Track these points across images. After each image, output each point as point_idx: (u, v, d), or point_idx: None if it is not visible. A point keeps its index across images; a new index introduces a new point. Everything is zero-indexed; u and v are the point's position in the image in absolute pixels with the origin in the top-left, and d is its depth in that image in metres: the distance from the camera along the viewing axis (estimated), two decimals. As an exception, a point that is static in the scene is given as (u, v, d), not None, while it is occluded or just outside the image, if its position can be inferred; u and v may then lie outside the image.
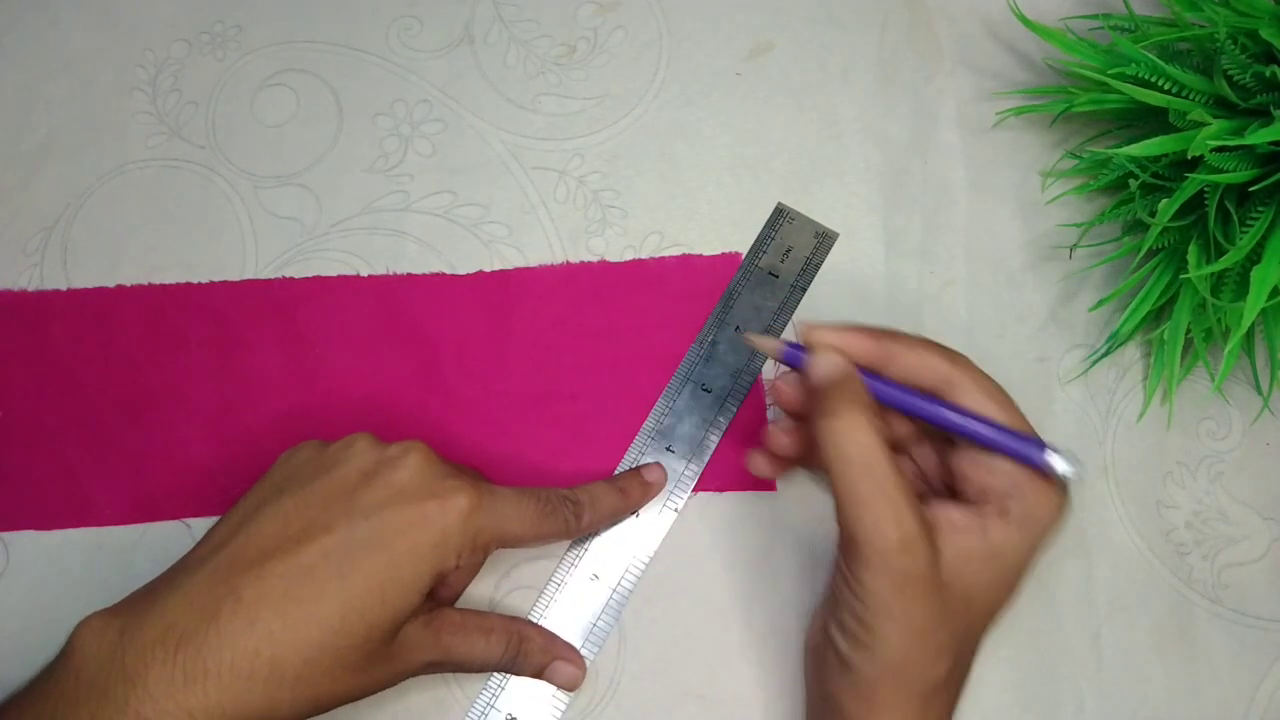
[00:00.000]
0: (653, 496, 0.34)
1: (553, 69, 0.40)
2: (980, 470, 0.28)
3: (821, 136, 0.39)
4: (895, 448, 0.31)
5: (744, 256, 0.37)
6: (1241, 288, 0.33)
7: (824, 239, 0.37)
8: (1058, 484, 0.27)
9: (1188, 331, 0.35)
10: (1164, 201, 0.33)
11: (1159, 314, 0.36)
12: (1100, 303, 0.37)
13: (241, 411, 0.36)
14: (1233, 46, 0.32)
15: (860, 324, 0.30)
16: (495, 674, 0.33)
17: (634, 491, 0.34)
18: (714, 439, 0.35)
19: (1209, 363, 0.36)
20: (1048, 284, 0.38)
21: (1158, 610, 0.35)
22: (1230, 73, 0.33)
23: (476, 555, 0.29)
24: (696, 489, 0.35)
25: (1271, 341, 0.34)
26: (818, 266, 0.37)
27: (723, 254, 0.38)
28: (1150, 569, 0.35)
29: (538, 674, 0.33)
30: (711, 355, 0.36)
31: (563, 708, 0.33)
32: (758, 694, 0.33)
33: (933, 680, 0.27)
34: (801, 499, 0.35)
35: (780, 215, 0.38)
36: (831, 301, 0.37)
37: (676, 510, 0.35)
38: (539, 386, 0.36)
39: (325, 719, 0.30)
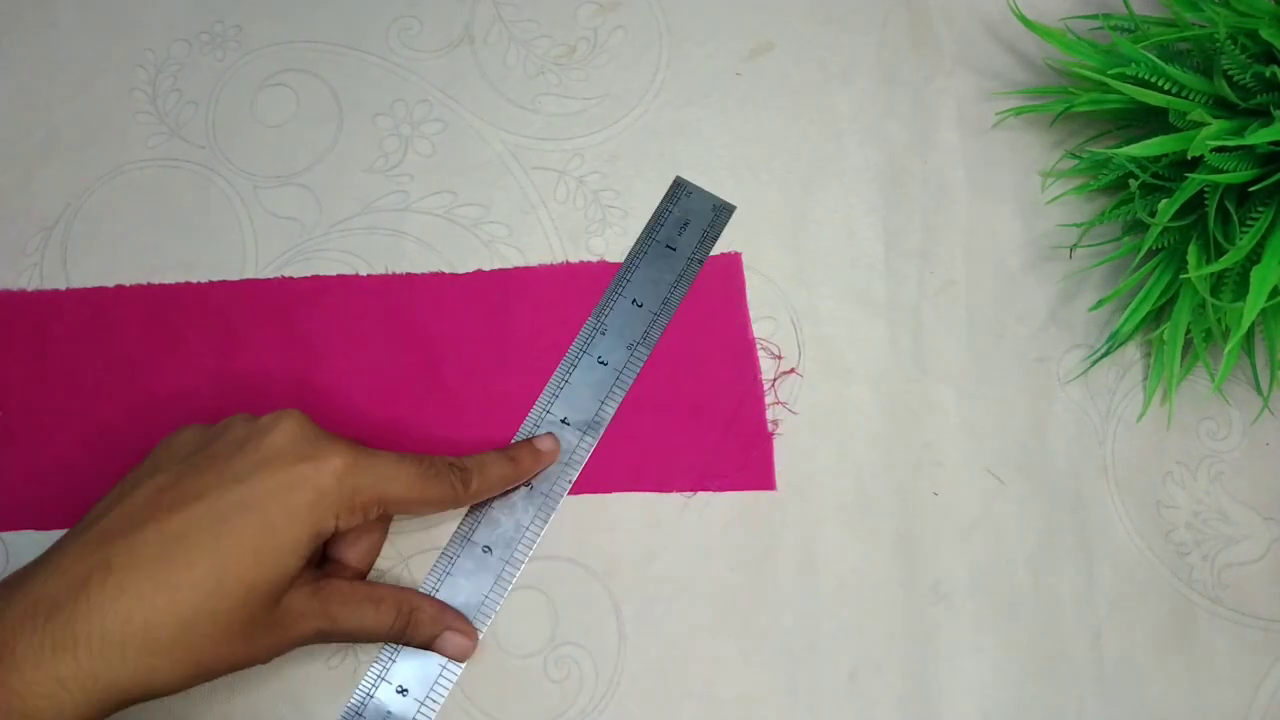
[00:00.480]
0: (545, 466, 0.35)
1: (553, 69, 0.40)
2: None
3: (821, 136, 0.39)
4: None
5: (642, 229, 0.37)
6: (1241, 288, 0.33)
7: (721, 211, 0.37)
8: None
9: (1188, 332, 0.35)
10: (1164, 202, 0.33)
11: (1159, 314, 0.36)
12: (1100, 303, 0.37)
13: (241, 411, 0.35)
14: (1233, 46, 0.32)
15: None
16: (386, 646, 0.33)
17: (525, 460, 0.34)
18: (609, 411, 0.35)
19: (1209, 363, 0.36)
20: (1048, 284, 0.38)
21: (1158, 610, 0.35)
22: (1230, 73, 0.33)
23: (356, 516, 0.29)
24: (698, 489, 0.35)
25: (1271, 342, 0.34)
26: (714, 238, 0.37)
27: (723, 254, 0.38)
28: (1150, 569, 0.35)
29: (428, 644, 0.33)
30: (607, 328, 0.36)
31: (454, 679, 0.33)
32: (758, 694, 0.34)
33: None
34: (801, 499, 0.35)
35: (678, 189, 0.38)
36: (831, 303, 0.38)
37: (570, 482, 0.35)
38: (539, 387, 0.36)
39: (217, 690, 0.32)
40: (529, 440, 0.35)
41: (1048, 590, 0.35)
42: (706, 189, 0.38)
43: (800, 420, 0.36)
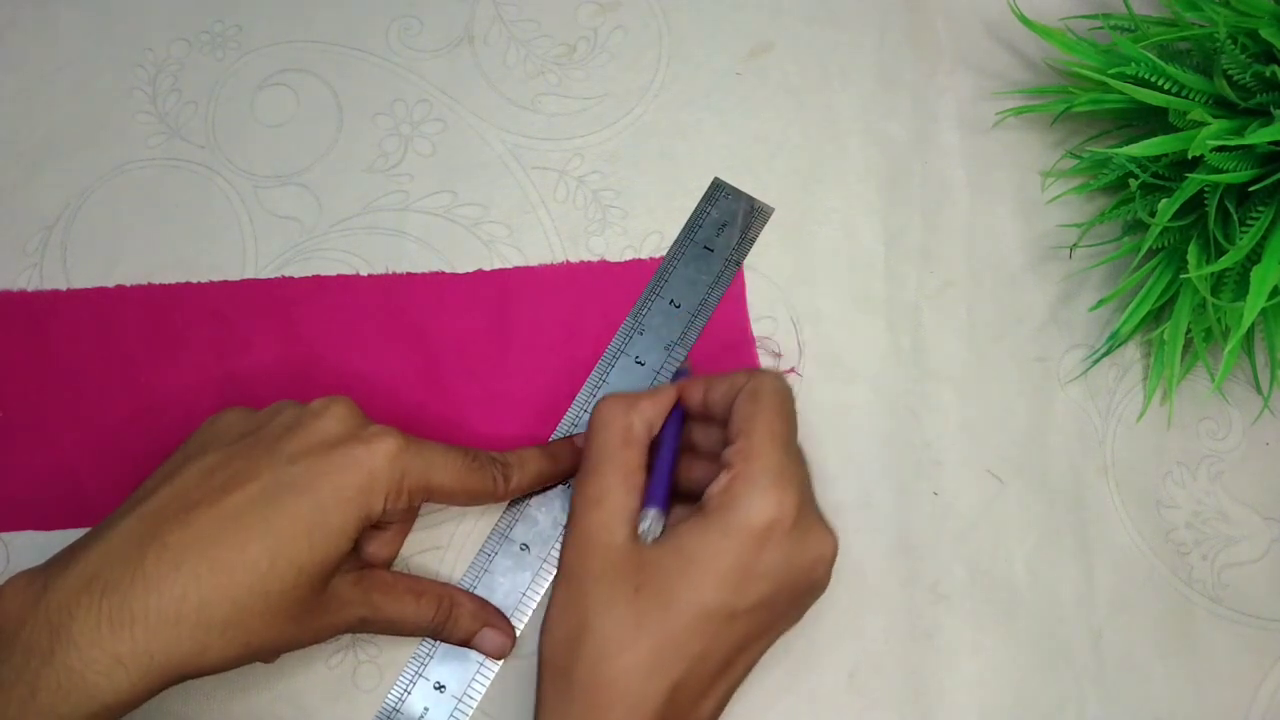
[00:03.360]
0: None
1: (553, 68, 0.40)
2: (694, 471, 0.31)
3: (821, 136, 0.39)
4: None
5: (680, 229, 0.38)
6: (1241, 287, 0.33)
7: (758, 213, 0.38)
8: (773, 496, 0.28)
9: (1188, 331, 0.35)
10: (1164, 201, 0.33)
11: (1159, 314, 0.36)
12: (1100, 303, 0.37)
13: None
14: (1233, 46, 0.32)
15: (724, 378, 0.31)
16: (424, 642, 0.33)
17: (564, 458, 0.34)
18: None
19: (1209, 363, 0.36)
20: (1048, 284, 0.38)
21: (1158, 610, 0.35)
22: (1230, 72, 0.33)
23: (401, 500, 0.30)
24: None
25: (1271, 341, 0.34)
26: (752, 240, 0.38)
27: (723, 254, 0.38)
28: (1151, 569, 0.35)
29: (467, 640, 0.33)
30: (645, 328, 0.36)
31: (491, 676, 0.33)
32: (757, 693, 0.34)
33: (584, 655, 0.27)
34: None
35: (717, 190, 0.38)
36: (832, 302, 0.38)
37: None
38: (539, 387, 0.36)
39: (217, 689, 0.32)
40: (569, 438, 0.35)
41: (1047, 590, 0.35)
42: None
43: (800, 420, 0.36)
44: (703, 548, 0.28)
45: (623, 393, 0.31)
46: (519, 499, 0.35)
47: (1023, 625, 0.35)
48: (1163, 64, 0.34)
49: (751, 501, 0.28)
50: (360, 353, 0.37)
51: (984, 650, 0.34)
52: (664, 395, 0.31)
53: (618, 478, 0.29)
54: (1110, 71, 0.35)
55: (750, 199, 0.38)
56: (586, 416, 0.35)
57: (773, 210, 0.38)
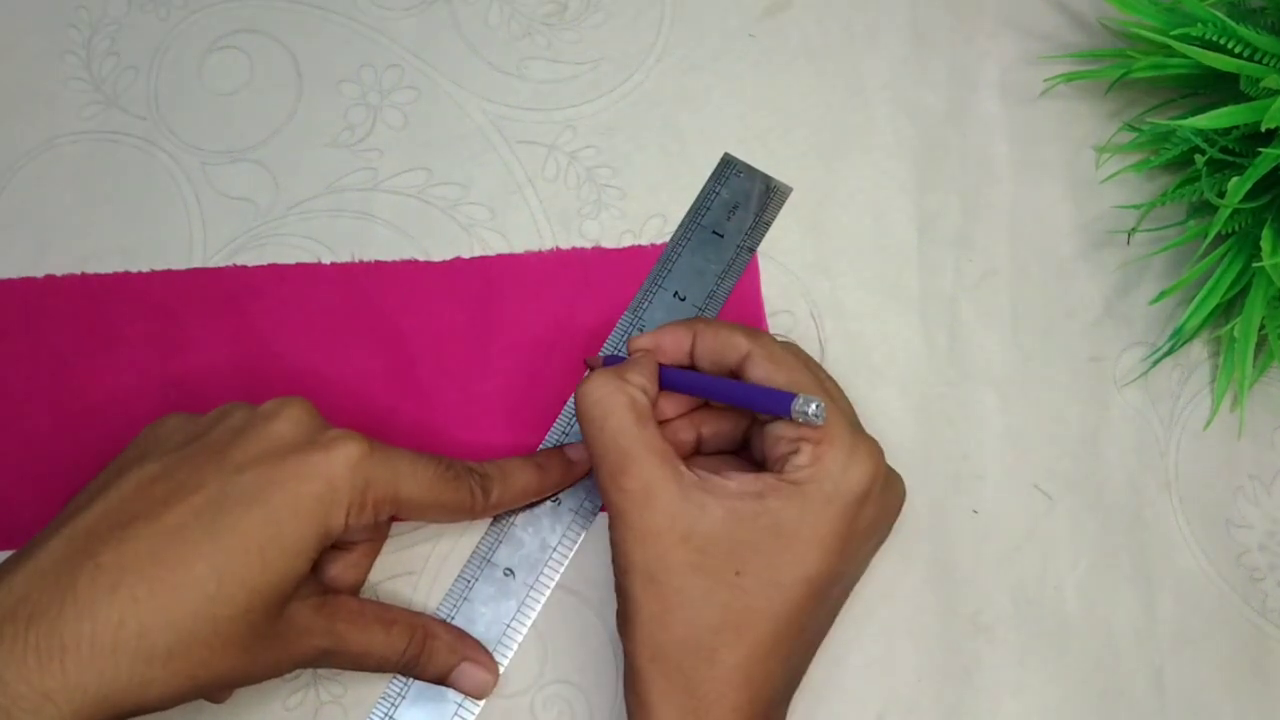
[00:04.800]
0: (577, 478, 0.34)
1: (541, 29, 0.40)
2: (772, 439, 0.31)
3: (846, 106, 0.39)
4: (710, 443, 0.33)
5: (686, 212, 0.38)
6: (1324, 277, 0.33)
7: (774, 193, 0.38)
8: (861, 455, 0.29)
9: (1261, 327, 0.34)
10: (1234, 180, 0.33)
11: (1229, 307, 0.36)
12: (1162, 295, 0.37)
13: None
14: (1316, 3, 0.32)
15: (676, 321, 0.33)
16: (395, 679, 0.33)
17: (554, 470, 0.34)
18: None
19: (1286, 363, 0.36)
20: (1102, 273, 0.38)
21: (1228, 643, 0.35)
22: (1313, 33, 0.33)
23: (366, 514, 0.29)
24: None
25: (1358, 339, 0.34)
26: (768, 224, 0.37)
27: (734, 239, 0.38)
28: (1220, 596, 0.35)
29: (443, 677, 0.32)
30: (646, 324, 0.36)
31: (471, 718, 0.33)
32: None
33: (690, 645, 0.28)
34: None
35: (727, 167, 0.38)
36: (858, 294, 0.37)
37: None
38: (525, 389, 0.36)
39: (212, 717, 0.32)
40: (559, 448, 0.35)
41: (1102, 621, 0.35)
42: (787, 184, 0.38)
43: (822, 428, 0.36)
44: (804, 521, 0.29)
45: (601, 371, 0.31)
46: (502, 517, 0.35)
47: (1074, 661, 0.34)
48: (1233, 24, 0.33)
49: (850, 468, 0.29)
50: (323, 351, 0.36)
51: (1029, 689, 0.34)
52: (643, 362, 0.32)
53: (655, 461, 0.29)
54: (1173, 33, 0.34)
55: (766, 177, 0.38)
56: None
57: (790, 190, 0.38)
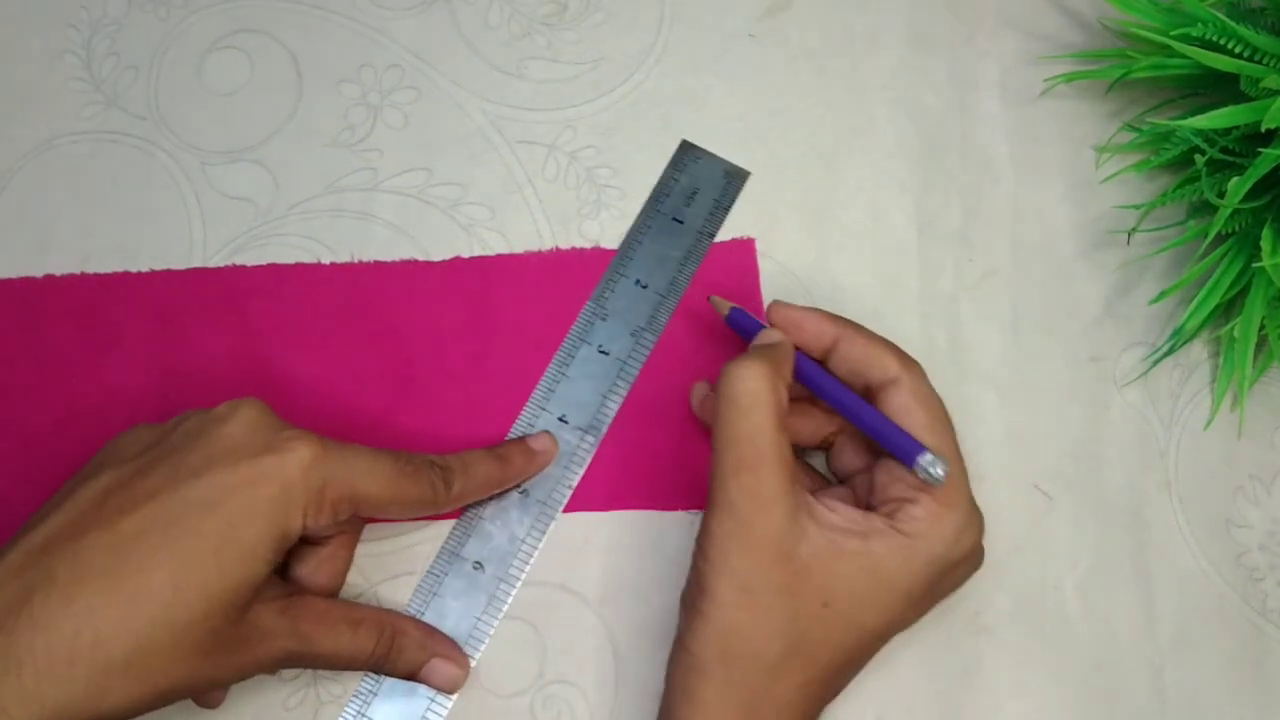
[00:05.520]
0: (540, 468, 0.34)
1: (541, 29, 0.40)
2: (887, 478, 0.31)
3: (846, 107, 0.39)
4: (819, 445, 0.34)
5: (645, 199, 0.38)
6: (1324, 277, 0.33)
7: (733, 178, 0.38)
8: (975, 527, 0.30)
9: (1261, 327, 0.34)
10: (1235, 180, 0.33)
11: (1229, 307, 0.36)
12: (1162, 295, 0.37)
13: (187, 418, 0.35)
14: (1316, 3, 0.32)
15: (822, 311, 0.32)
16: (365, 676, 0.33)
17: (516, 460, 0.34)
18: (613, 406, 0.35)
19: (1286, 363, 0.36)
20: (1102, 273, 0.38)
21: (1228, 644, 0.35)
22: (1312, 33, 0.33)
23: (324, 515, 0.29)
24: (689, 508, 0.35)
25: (1359, 339, 0.34)
26: (727, 209, 0.37)
27: (734, 239, 0.38)
28: (1220, 596, 0.35)
29: (413, 674, 0.32)
30: (609, 312, 0.36)
31: (443, 713, 0.33)
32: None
33: (763, 660, 0.29)
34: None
35: (685, 153, 0.38)
36: (856, 294, 0.37)
37: (571, 488, 0.35)
38: (525, 389, 0.36)
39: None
40: (521, 439, 0.35)
41: (1102, 621, 0.35)
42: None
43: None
44: (902, 573, 0.29)
45: (756, 356, 0.30)
46: (470, 511, 0.35)
47: (1074, 661, 0.34)
48: (1233, 24, 0.33)
49: (964, 537, 0.30)
50: (322, 351, 0.36)
51: (1030, 689, 0.34)
52: (785, 356, 0.31)
53: (783, 473, 0.29)
54: (1173, 33, 0.35)
55: (724, 162, 0.38)
56: (544, 416, 0.35)
57: (749, 174, 0.38)
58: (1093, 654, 0.34)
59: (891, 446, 0.30)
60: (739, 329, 0.33)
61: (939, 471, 0.28)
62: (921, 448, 0.29)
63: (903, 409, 0.30)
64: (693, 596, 0.30)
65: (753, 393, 0.29)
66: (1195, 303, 0.35)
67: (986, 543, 0.34)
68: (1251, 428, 0.36)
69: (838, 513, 0.30)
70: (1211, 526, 0.35)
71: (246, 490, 0.28)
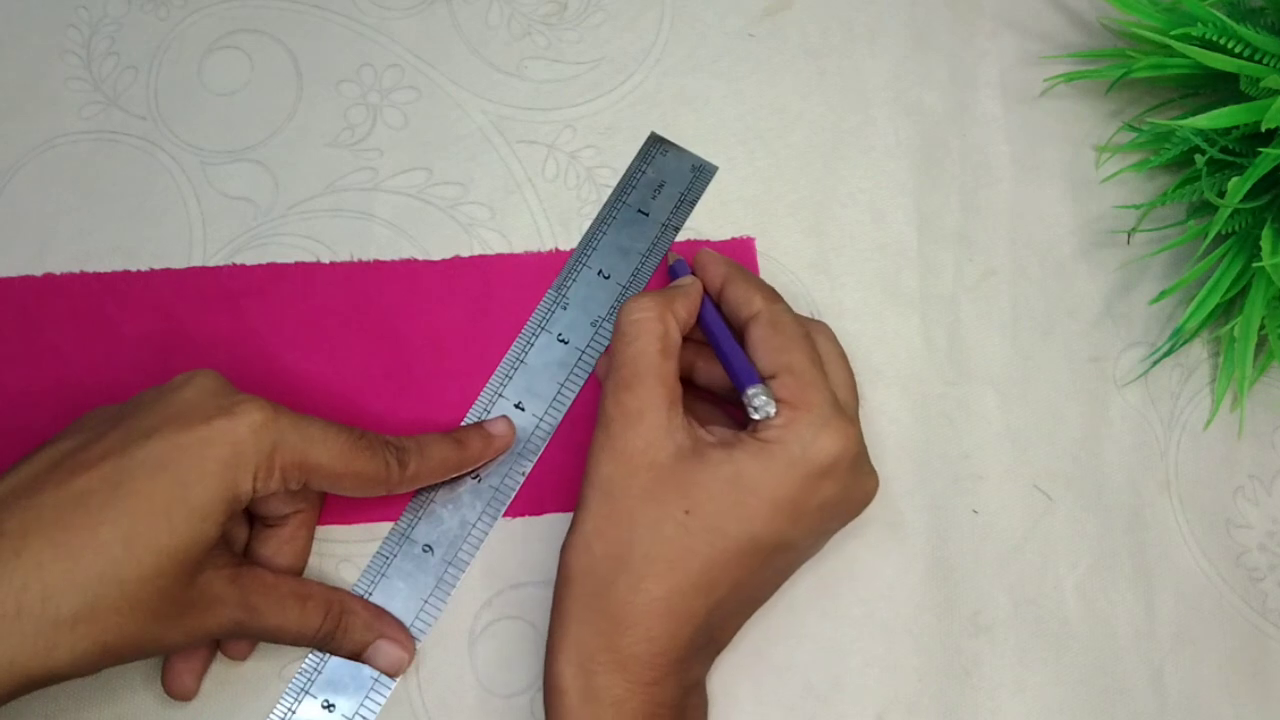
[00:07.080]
0: (498, 453, 0.35)
1: (541, 29, 0.40)
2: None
3: (846, 106, 0.39)
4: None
5: (611, 192, 0.38)
6: (1323, 277, 0.33)
7: (700, 172, 0.38)
8: (833, 430, 0.30)
9: (1261, 327, 0.35)
10: (1235, 180, 0.33)
11: (1229, 307, 0.36)
12: (1162, 294, 0.37)
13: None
14: (1314, 3, 0.32)
15: (724, 258, 0.34)
16: (313, 654, 0.33)
17: (473, 444, 0.34)
18: (570, 394, 0.36)
19: (1286, 363, 0.36)
20: (1102, 273, 0.38)
21: (1228, 644, 0.35)
22: (1311, 34, 0.33)
23: (274, 479, 0.30)
24: None
25: (1358, 339, 0.34)
26: (693, 203, 0.38)
27: (734, 239, 0.38)
28: (1219, 597, 0.35)
29: (358, 653, 0.33)
30: (569, 301, 0.36)
31: (386, 695, 0.33)
32: (756, 714, 0.34)
33: (623, 566, 0.29)
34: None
35: (653, 146, 0.38)
36: (857, 294, 0.38)
37: (524, 475, 0.35)
38: None
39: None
40: (479, 424, 0.35)
41: (1102, 621, 0.35)
42: (714, 163, 0.39)
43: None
44: (763, 479, 0.30)
45: (650, 293, 0.32)
46: (422, 494, 0.35)
47: (1073, 661, 0.34)
48: (1233, 24, 0.34)
49: (820, 438, 0.30)
50: (322, 350, 0.36)
51: (1030, 689, 0.34)
52: (692, 293, 0.33)
53: (660, 391, 0.31)
54: (1174, 33, 0.35)
55: (692, 156, 0.38)
56: (500, 402, 0.36)
57: (716, 169, 0.38)
58: (1092, 653, 0.34)
59: (733, 375, 0.32)
60: (674, 279, 0.35)
61: (761, 401, 0.30)
62: (756, 380, 0.31)
63: (760, 339, 0.32)
64: (574, 519, 0.31)
65: (637, 323, 0.31)
66: (1195, 303, 0.35)
67: (986, 542, 0.35)
68: (1251, 428, 0.36)
69: (713, 433, 0.31)
70: (1211, 526, 0.36)
71: (197, 450, 0.28)
